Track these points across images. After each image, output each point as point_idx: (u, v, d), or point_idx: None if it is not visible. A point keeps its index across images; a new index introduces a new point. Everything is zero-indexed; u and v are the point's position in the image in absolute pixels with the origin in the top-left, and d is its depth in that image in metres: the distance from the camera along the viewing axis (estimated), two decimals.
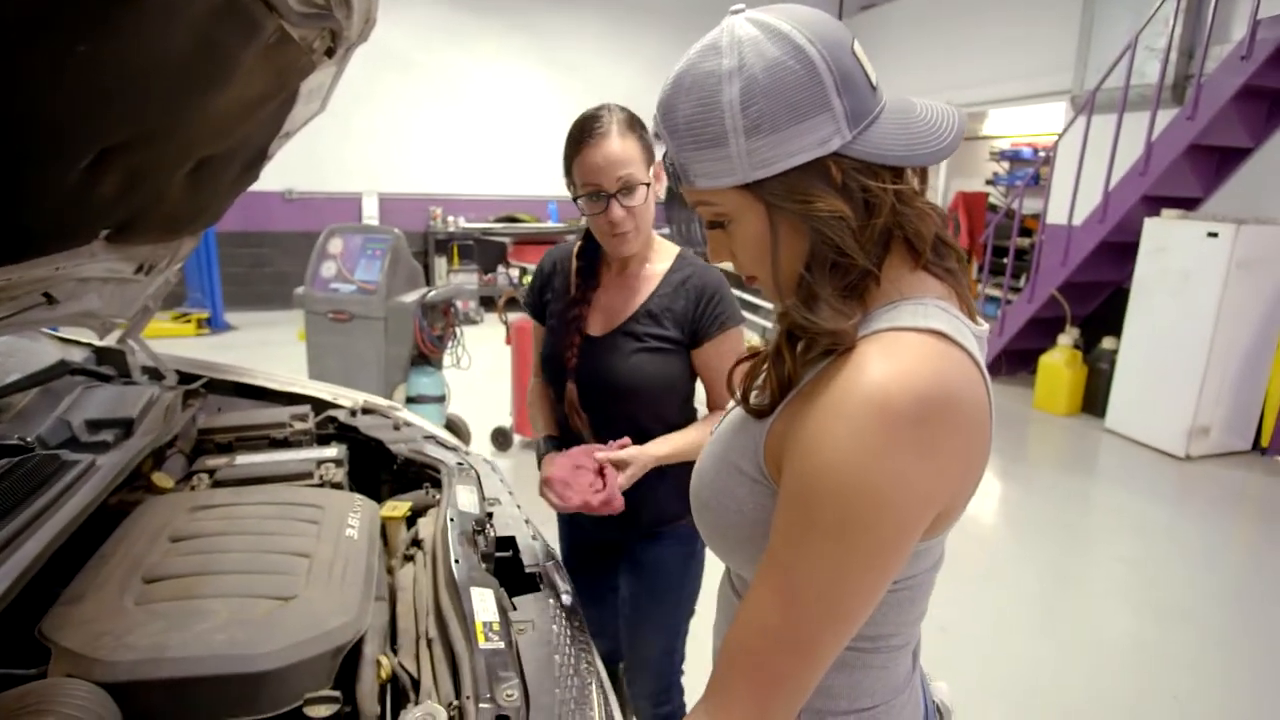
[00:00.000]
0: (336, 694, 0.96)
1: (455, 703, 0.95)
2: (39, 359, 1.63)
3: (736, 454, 0.75)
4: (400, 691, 1.09)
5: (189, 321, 6.89)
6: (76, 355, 1.78)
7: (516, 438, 4.16)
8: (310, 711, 0.95)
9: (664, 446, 1.42)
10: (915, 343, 0.64)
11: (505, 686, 0.95)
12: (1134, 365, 4.81)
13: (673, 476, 1.43)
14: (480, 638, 1.03)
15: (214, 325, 7.04)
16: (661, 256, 1.52)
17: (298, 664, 0.99)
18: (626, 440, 1.41)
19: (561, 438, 1.53)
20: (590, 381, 1.49)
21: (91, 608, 1.04)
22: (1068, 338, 5.34)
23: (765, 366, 0.75)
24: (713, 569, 1.15)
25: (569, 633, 1.14)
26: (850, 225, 0.66)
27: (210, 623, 1.02)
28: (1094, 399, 5.18)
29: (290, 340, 6.24)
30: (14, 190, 0.89)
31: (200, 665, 0.95)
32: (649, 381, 1.46)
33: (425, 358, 3.61)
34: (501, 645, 1.03)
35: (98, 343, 1.90)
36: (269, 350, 6.12)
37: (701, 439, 1.36)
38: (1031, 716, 2.34)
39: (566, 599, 1.24)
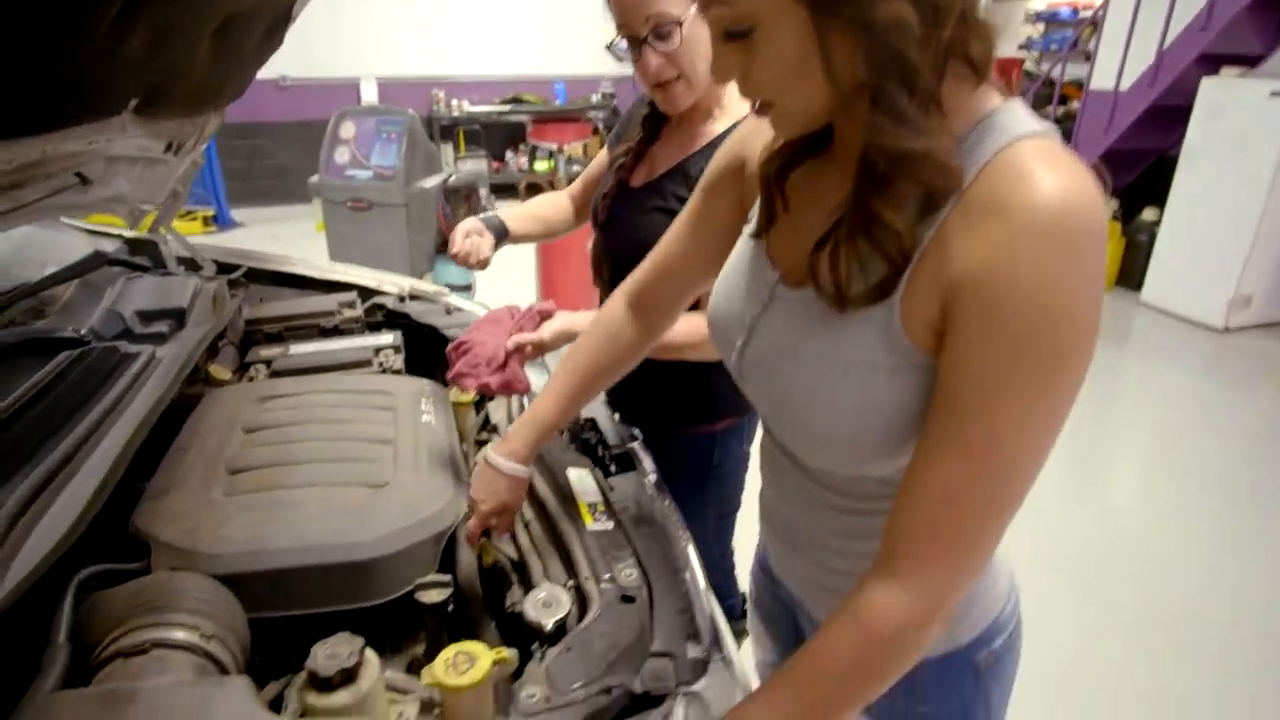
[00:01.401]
0: (447, 578, 0.93)
1: (571, 583, 0.92)
2: (72, 251, 1.54)
3: (855, 352, 0.66)
4: (502, 575, 1.06)
5: (195, 219, 6.70)
6: (108, 248, 1.68)
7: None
8: (422, 597, 0.92)
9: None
10: (1057, 148, 0.59)
11: (623, 566, 0.92)
12: (1176, 235, 4.64)
13: (669, 377, 1.35)
14: (587, 519, 0.99)
15: (220, 222, 6.86)
16: (727, 115, 1.38)
17: (402, 551, 0.95)
18: (550, 305, 1.27)
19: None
20: (609, 234, 1.39)
21: (180, 501, 1.00)
22: (1106, 209, 5.13)
23: (848, 244, 0.64)
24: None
25: (666, 513, 1.10)
26: (914, 35, 0.56)
27: (304, 513, 0.98)
28: (1131, 272, 5.05)
29: (301, 235, 6.09)
30: (44, 43, 0.78)
31: (304, 555, 0.91)
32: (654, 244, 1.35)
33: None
34: (610, 525, 0.99)
35: (128, 234, 1.80)
36: (282, 245, 5.96)
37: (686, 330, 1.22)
38: (1064, 577, 2.38)
39: (653, 478, 1.20)
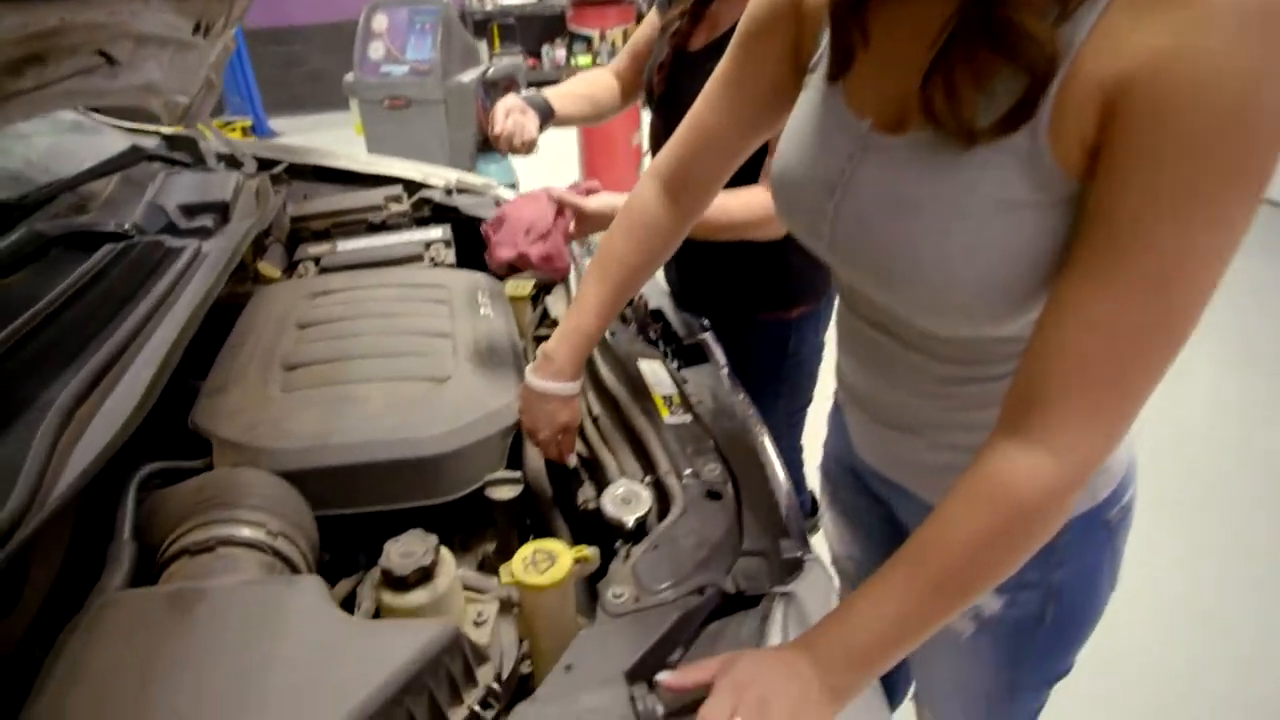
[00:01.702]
0: (517, 474, 0.88)
1: (648, 480, 0.86)
2: (111, 150, 1.47)
3: (990, 192, 0.55)
4: (571, 473, 1.01)
5: (234, 130, 6.62)
6: (147, 144, 1.61)
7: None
8: (492, 494, 0.88)
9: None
10: None
11: (705, 461, 0.85)
12: None
13: (740, 260, 1.23)
14: (663, 411, 0.92)
15: (258, 132, 6.76)
16: None
17: (470, 447, 0.90)
18: (595, 183, 1.13)
19: None
20: (668, 109, 1.24)
21: (238, 397, 0.96)
22: None
23: (966, 68, 0.53)
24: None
25: (743, 406, 1.03)
26: None
27: (367, 408, 0.93)
28: None
29: (340, 141, 5.93)
30: None
31: (370, 451, 0.87)
32: None
33: (491, 143, 3.35)
34: (689, 419, 0.92)
35: (165, 130, 1.73)
36: None
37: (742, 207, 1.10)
38: (1178, 461, 2.28)
39: (727, 371, 1.13)
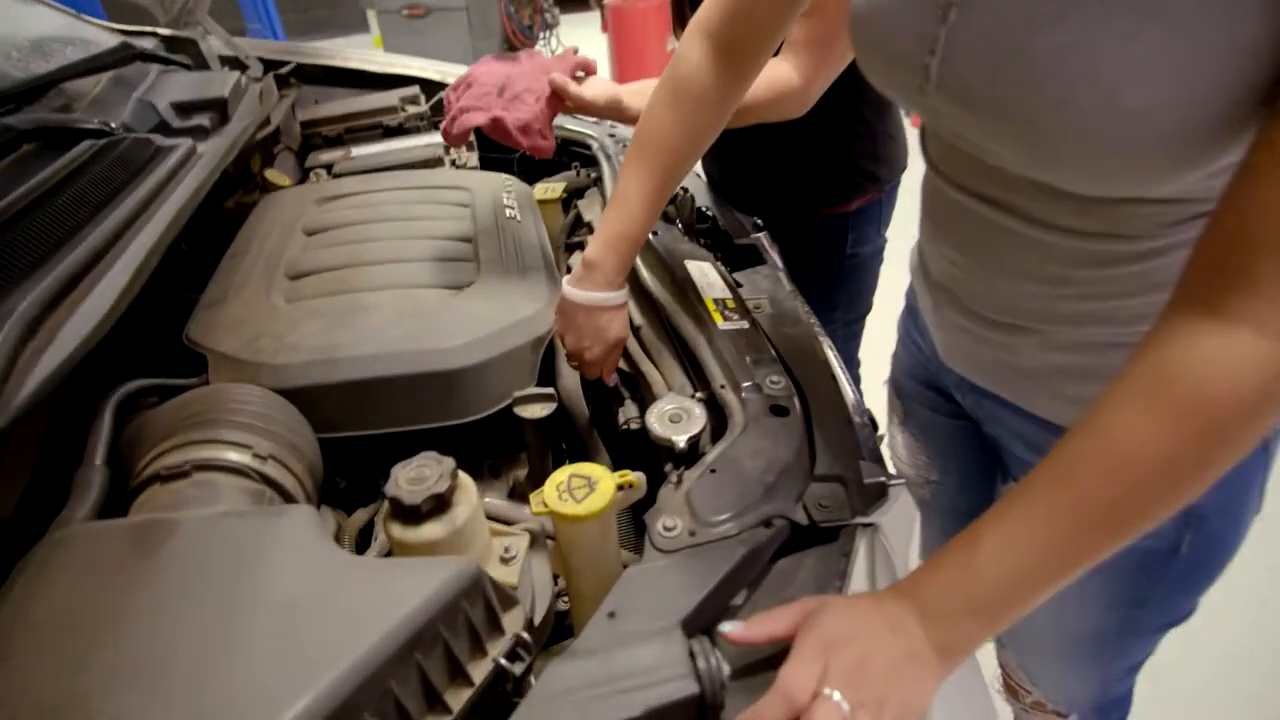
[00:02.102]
0: (550, 391, 0.77)
1: (700, 395, 0.74)
2: (101, 46, 1.35)
3: (1201, 29, 0.40)
4: (611, 391, 0.90)
5: None
6: (144, 45, 1.48)
7: None
8: (522, 412, 0.76)
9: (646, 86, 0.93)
10: None
11: (767, 372, 0.73)
12: None
13: (789, 144, 1.06)
14: (716, 318, 0.79)
15: None
16: None
17: (496, 359, 0.79)
18: (590, 60, 0.96)
19: None
20: None
21: (238, 309, 0.86)
22: None
23: None
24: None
25: (804, 313, 0.89)
26: None
27: (378, 316, 0.82)
28: None
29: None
30: None
31: (382, 364, 0.76)
32: None
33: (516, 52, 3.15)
34: (745, 325, 0.79)
35: (164, 32, 1.60)
36: None
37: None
38: None
39: (785, 274, 0.99)
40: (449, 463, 0.56)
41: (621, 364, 0.90)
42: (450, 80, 1.61)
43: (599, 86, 0.93)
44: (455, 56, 3.20)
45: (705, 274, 0.86)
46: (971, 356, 0.72)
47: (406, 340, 0.78)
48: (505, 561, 0.59)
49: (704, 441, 0.70)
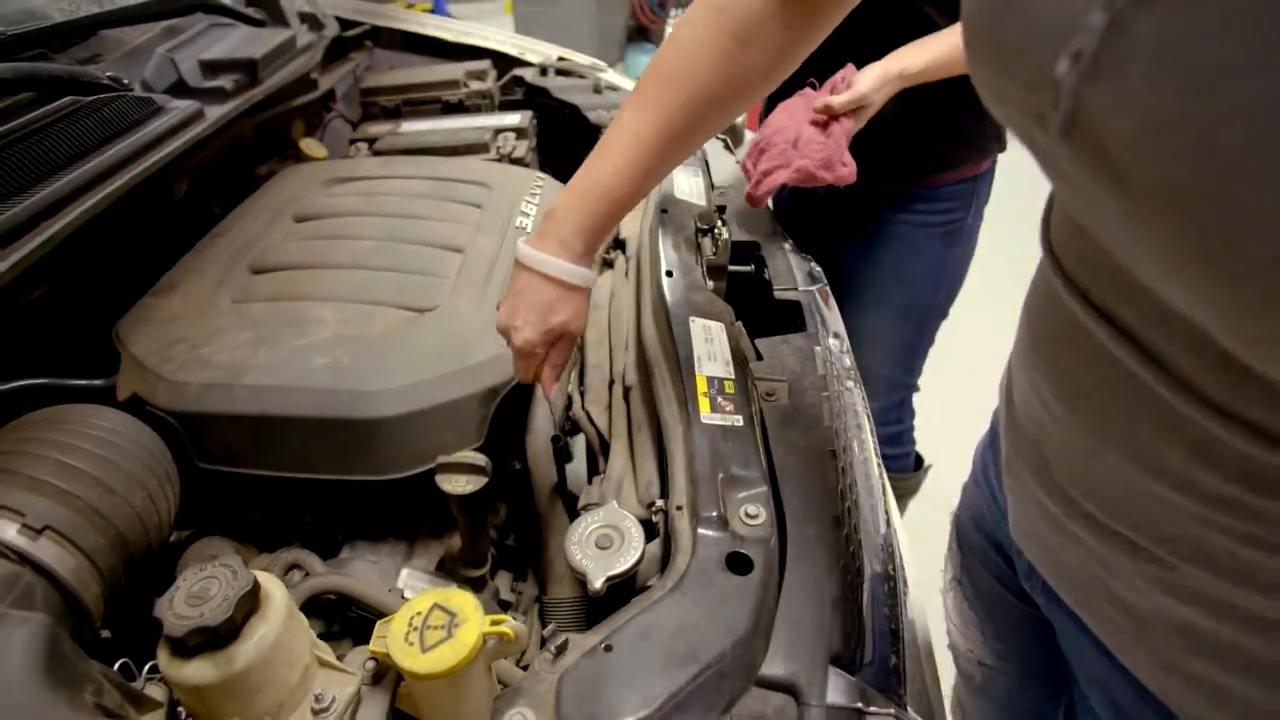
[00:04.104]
0: (482, 461, 0.61)
1: (658, 506, 0.57)
2: None
3: None
4: (588, 453, 0.73)
5: (413, 9, 6.63)
6: None
7: (747, 133, 3.54)
8: (444, 484, 0.61)
9: (916, 55, 0.87)
10: None
11: (745, 497, 0.54)
12: None
13: (931, 105, 0.94)
14: (703, 404, 0.60)
15: (438, 11, 6.75)
16: None
17: (427, 410, 0.64)
18: (849, 69, 0.89)
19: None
20: None
21: (178, 303, 0.76)
22: None
23: None
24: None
25: (844, 398, 0.69)
26: None
27: (311, 337, 0.69)
28: None
29: (493, 23, 5.79)
30: None
31: (288, 401, 0.63)
32: None
33: (644, 30, 2.98)
34: (739, 421, 0.60)
35: None
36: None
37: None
38: None
39: (837, 343, 0.78)
40: (246, 579, 0.42)
41: (598, 423, 0.73)
42: (528, 57, 1.48)
43: (871, 73, 0.87)
44: (580, 29, 3.08)
45: (710, 339, 0.67)
46: (1049, 550, 0.48)
47: (325, 374, 0.65)
48: (316, 715, 0.45)
49: (644, 572, 0.53)
